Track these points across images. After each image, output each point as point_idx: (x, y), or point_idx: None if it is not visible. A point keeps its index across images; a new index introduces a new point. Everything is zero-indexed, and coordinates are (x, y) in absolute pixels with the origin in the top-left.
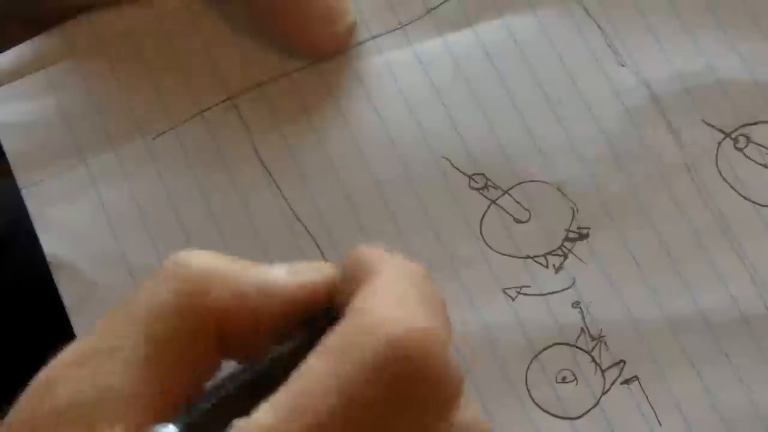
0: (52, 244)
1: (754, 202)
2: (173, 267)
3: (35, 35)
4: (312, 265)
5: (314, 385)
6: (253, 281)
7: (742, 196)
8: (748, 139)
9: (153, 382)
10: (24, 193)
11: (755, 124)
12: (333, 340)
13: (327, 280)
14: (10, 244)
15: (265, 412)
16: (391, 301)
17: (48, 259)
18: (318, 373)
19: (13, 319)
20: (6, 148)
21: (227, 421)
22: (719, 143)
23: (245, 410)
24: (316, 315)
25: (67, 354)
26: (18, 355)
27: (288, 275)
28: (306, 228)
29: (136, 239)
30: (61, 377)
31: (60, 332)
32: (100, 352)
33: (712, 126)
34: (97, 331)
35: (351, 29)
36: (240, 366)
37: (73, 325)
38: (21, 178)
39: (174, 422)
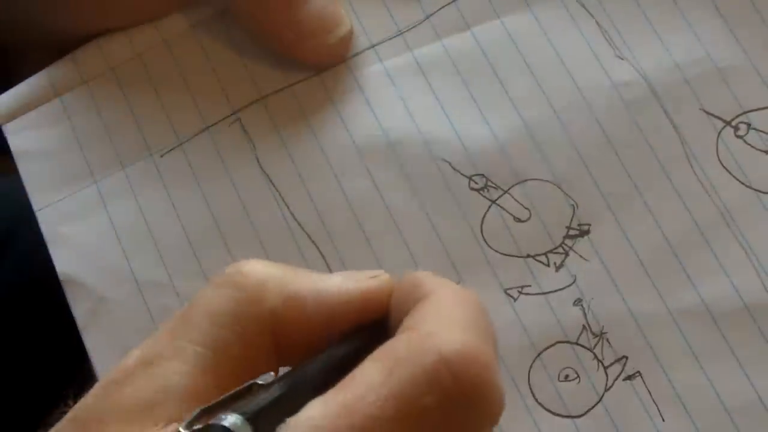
0: (63, 261)
1: (756, 190)
2: (231, 276)
3: (53, 60)
4: (368, 272)
5: (366, 390)
6: (307, 288)
7: (743, 184)
8: (749, 126)
9: (211, 385)
10: (38, 214)
11: (756, 110)
12: (387, 350)
13: (382, 290)
14: (13, 237)
15: (315, 409)
16: (447, 322)
17: (60, 276)
18: (371, 379)
19: (14, 309)
20: (23, 174)
21: (282, 416)
22: (719, 132)
23: (299, 407)
24: (371, 324)
25: (131, 356)
26: (18, 346)
27: (342, 282)
28: (309, 237)
29: (144, 254)
30: (124, 377)
31: (60, 324)
32: (162, 355)
33: (712, 115)
34: (159, 336)
35: (346, 39)
36: (297, 365)
37: (83, 340)
38: (36, 201)
39: (237, 412)
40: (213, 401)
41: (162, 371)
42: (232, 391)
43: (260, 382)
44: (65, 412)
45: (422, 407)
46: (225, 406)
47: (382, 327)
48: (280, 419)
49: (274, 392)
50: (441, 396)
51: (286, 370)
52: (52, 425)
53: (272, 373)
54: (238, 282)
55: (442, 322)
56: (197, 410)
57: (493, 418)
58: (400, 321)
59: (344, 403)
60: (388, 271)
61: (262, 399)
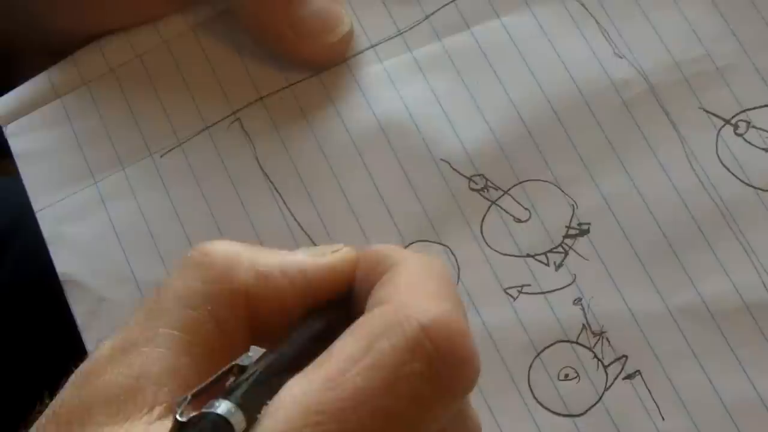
0: (63, 261)
1: (756, 188)
2: (198, 256)
3: (54, 61)
4: (329, 247)
5: (347, 363)
6: (275, 263)
7: (743, 182)
8: (749, 124)
9: (188, 366)
10: (38, 215)
11: (755, 108)
12: (363, 324)
13: (347, 262)
14: (13, 238)
15: (297, 386)
16: (419, 291)
17: (60, 277)
18: (350, 353)
19: (14, 310)
20: (23, 175)
21: (265, 398)
22: (719, 130)
23: (279, 387)
24: (337, 298)
25: (104, 347)
26: (18, 346)
27: (309, 257)
28: (309, 236)
29: (143, 254)
30: (99, 368)
31: (60, 324)
32: (135, 343)
33: (712, 113)
34: (131, 324)
35: (346, 39)
36: (273, 345)
37: (84, 340)
38: (36, 202)
39: (227, 398)
40: (198, 386)
41: (138, 358)
42: (216, 374)
43: (241, 364)
44: (41, 412)
45: (406, 376)
46: (211, 389)
47: (349, 300)
48: (264, 400)
49: (256, 373)
50: (423, 364)
51: (262, 351)
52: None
53: (251, 354)
54: (205, 261)
55: (415, 293)
56: (188, 396)
57: (471, 383)
58: (366, 293)
59: (327, 377)
60: None
61: (247, 382)
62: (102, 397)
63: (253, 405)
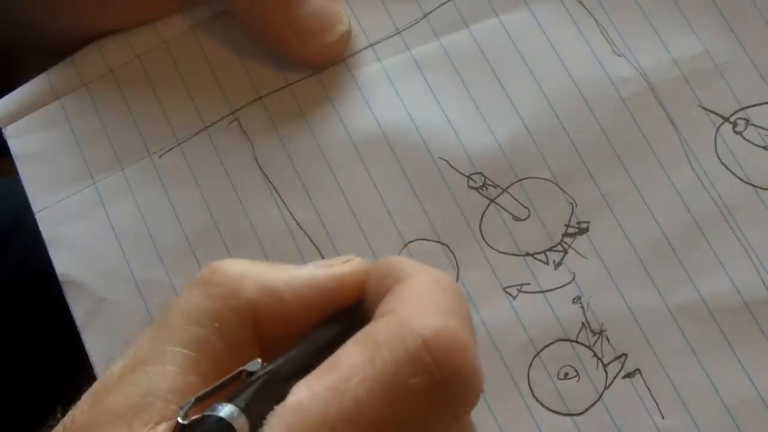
0: (63, 262)
1: (754, 186)
2: (206, 274)
3: (53, 63)
4: (340, 258)
5: (350, 372)
6: (281, 277)
7: (742, 180)
8: (748, 122)
9: (196, 383)
10: (37, 215)
11: (755, 106)
12: (368, 334)
13: (356, 272)
14: (13, 238)
15: (301, 393)
16: (425, 305)
17: (60, 277)
18: (354, 362)
19: (13, 309)
20: (23, 176)
21: (272, 403)
22: (718, 128)
23: (286, 392)
24: (350, 308)
25: (115, 366)
26: (17, 345)
27: (315, 270)
28: (308, 236)
29: (142, 254)
30: (109, 387)
31: (60, 323)
32: (144, 361)
33: (711, 111)
34: (140, 343)
35: (344, 38)
36: (283, 353)
37: (83, 340)
38: (36, 202)
39: (231, 402)
40: (204, 390)
41: (146, 376)
42: (222, 380)
43: (248, 369)
44: (53, 426)
45: (406, 389)
46: (216, 394)
47: (361, 311)
48: (270, 406)
49: (263, 379)
50: (423, 379)
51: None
52: None
53: (259, 360)
54: (213, 279)
55: (420, 306)
56: (191, 399)
57: (472, 400)
58: (376, 304)
59: (330, 385)
60: None
61: (252, 387)
62: (110, 415)
63: (257, 410)
